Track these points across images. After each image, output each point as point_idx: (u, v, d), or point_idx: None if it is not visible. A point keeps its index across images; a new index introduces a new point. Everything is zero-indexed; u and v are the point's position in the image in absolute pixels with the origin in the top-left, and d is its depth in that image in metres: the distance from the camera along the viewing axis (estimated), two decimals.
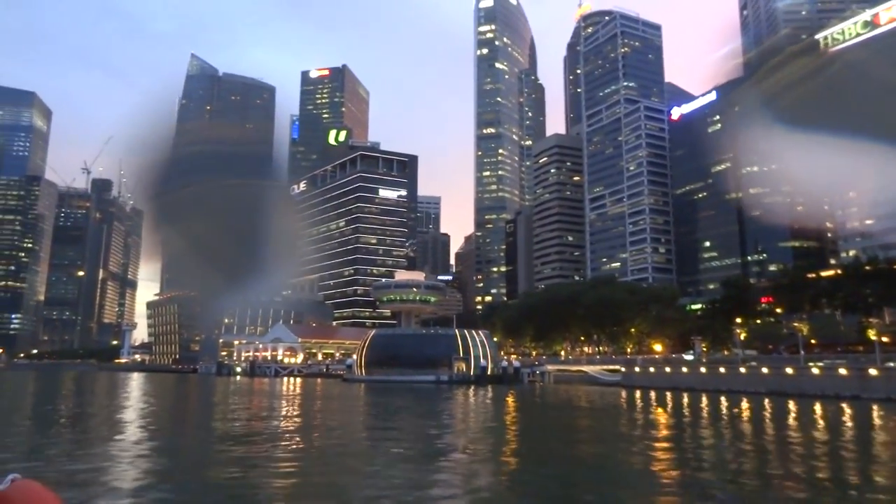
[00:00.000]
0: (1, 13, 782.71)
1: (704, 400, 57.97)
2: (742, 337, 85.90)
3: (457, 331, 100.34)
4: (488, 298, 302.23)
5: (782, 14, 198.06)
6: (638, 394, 67.44)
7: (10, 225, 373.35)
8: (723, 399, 57.86)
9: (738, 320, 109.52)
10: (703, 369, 67.43)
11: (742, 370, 62.37)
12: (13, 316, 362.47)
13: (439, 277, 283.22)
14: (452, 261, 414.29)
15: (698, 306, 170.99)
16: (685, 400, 57.57)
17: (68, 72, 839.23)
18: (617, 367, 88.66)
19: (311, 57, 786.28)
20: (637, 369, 78.25)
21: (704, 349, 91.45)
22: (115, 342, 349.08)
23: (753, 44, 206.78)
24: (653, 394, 66.58)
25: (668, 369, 72.65)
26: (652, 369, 75.36)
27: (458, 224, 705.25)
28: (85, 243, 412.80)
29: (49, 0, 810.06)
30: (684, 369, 70.45)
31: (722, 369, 65.22)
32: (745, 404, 50.64)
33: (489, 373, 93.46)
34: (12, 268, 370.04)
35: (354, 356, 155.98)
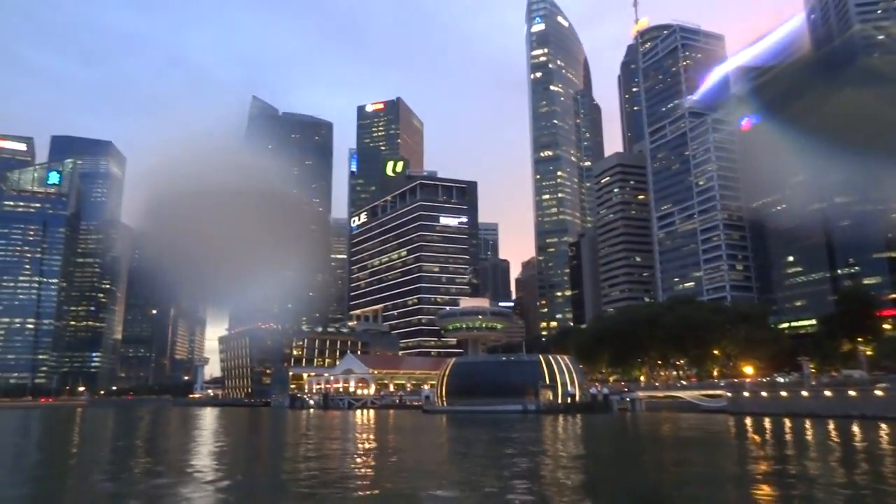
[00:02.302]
0: (79, 71, 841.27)
1: (834, 428, 51.92)
2: (867, 354, 78.08)
3: (541, 357, 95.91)
4: (553, 324, 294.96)
5: (854, 9, 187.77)
6: (749, 421, 61.44)
7: (90, 268, 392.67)
8: (855, 427, 51.69)
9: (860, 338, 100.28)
10: (827, 393, 60.88)
11: (879, 393, 55.70)
12: (94, 354, 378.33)
13: (501, 304, 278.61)
14: (513, 287, 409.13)
15: (798, 324, 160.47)
16: (812, 429, 51.69)
17: (139, 121, 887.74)
18: (719, 392, 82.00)
19: (365, 91, 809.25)
20: (746, 394, 71.87)
21: (813, 370, 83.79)
22: (186, 377, 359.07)
23: (824, 40, 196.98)
24: (767, 421, 60.48)
25: (783, 393, 66.17)
26: (764, 393, 68.89)
27: (516, 250, 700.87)
28: (157, 283, 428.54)
29: (120, 56, 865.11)
30: (804, 393, 63.88)
31: (852, 392, 58.61)
32: (885, 433, 44.68)
33: (577, 400, 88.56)
34: (92, 308, 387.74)
35: (426, 386, 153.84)
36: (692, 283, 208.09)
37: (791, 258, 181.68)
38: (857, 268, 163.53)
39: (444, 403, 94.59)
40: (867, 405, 55.34)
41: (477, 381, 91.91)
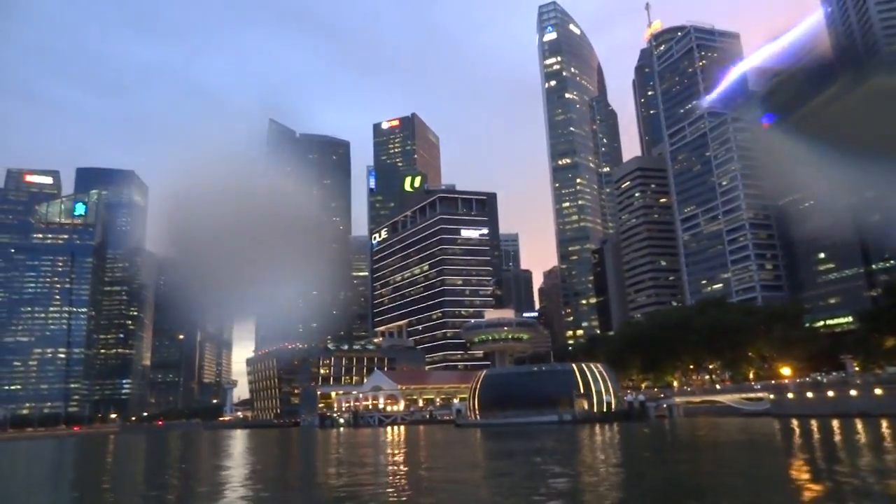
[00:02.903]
0: (99, 103, 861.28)
1: (888, 427, 49.88)
2: None
3: (574, 365, 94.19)
4: (579, 332, 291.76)
5: (874, 4, 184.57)
6: (795, 423, 59.32)
7: (117, 296, 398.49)
8: None
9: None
10: (878, 391, 58.59)
11: None
12: (124, 381, 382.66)
13: (525, 315, 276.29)
14: (536, 297, 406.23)
15: (833, 322, 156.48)
16: (864, 428, 49.66)
17: (160, 150, 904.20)
18: (760, 394, 79.58)
19: (380, 109, 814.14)
20: (791, 395, 69.57)
21: (857, 369, 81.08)
22: (215, 400, 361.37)
23: (844, 35, 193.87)
24: (814, 423, 58.32)
25: (830, 393, 63.91)
26: (810, 394, 66.62)
27: (536, 259, 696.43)
28: (183, 308, 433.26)
29: (138, 87, 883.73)
30: (853, 392, 61.62)
31: None
32: None
33: (613, 409, 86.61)
34: (121, 335, 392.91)
35: (456, 400, 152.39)
36: (720, 285, 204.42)
37: (822, 255, 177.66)
38: (892, 261, 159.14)
39: (477, 417, 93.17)
40: None
41: (509, 392, 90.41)
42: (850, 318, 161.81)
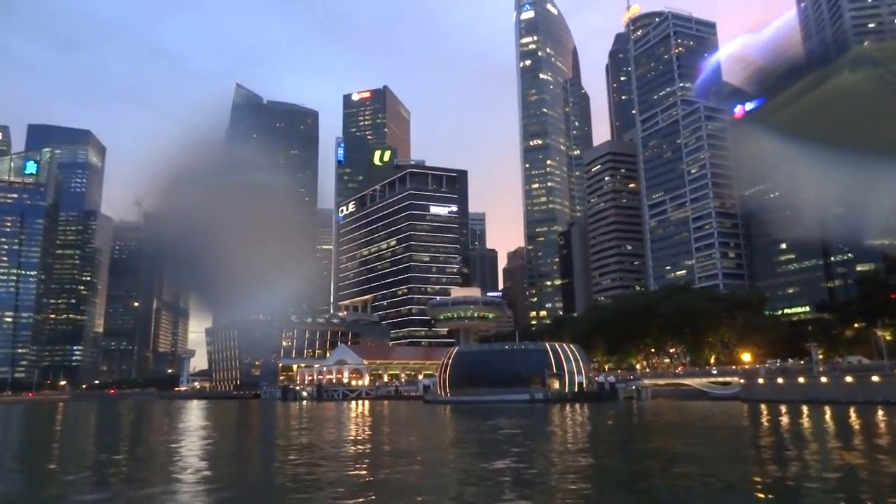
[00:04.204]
0: (55, 59, 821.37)
1: (855, 415, 50.57)
2: (886, 339, 76.97)
3: (547, 345, 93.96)
4: (543, 313, 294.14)
5: (847, 2, 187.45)
6: (764, 409, 59.93)
7: (70, 259, 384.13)
8: (881, 413, 50.39)
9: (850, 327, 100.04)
10: (848, 378, 59.59)
11: None
12: (75, 348, 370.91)
13: (489, 294, 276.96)
14: (500, 277, 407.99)
15: (791, 311, 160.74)
16: (833, 415, 50.26)
17: (119, 111, 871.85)
18: (730, 379, 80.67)
19: (350, 80, 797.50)
20: (761, 380, 70.50)
21: (821, 357, 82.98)
22: (170, 370, 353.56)
23: (816, 30, 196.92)
24: (783, 408, 59.02)
25: (801, 380, 64.86)
26: (781, 380, 67.55)
27: (502, 240, 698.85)
28: (139, 275, 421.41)
29: (98, 44, 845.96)
30: (823, 379, 62.64)
31: (876, 378, 57.31)
32: None
33: (584, 389, 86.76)
34: (73, 301, 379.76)
35: (421, 376, 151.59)
36: (684, 272, 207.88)
37: (783, 246, 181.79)
38: (850, 255, 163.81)
39: (448, 394, 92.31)
40: (892, 391, 54.12)
41: (481, 370, 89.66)
42: (807, 308, 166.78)
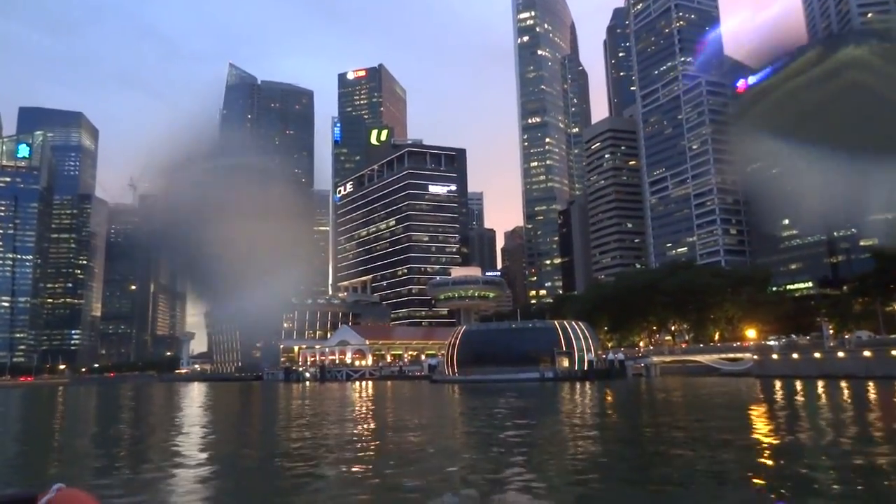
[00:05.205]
0: (46, 41, 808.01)
1: (871, 389, 49.73)
2: None
3: (556, 323, 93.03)
4: (542, 292, 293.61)
5: None
6: (779, 385, 59.13)
7: (65, 243, 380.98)
8: None
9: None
10: (867, 353, 58.77)
11: None
12: (73, 332, 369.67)
13: (488, 273, 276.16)
14: (499, 256, 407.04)
15: (794, 287, 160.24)
16: (854, 391, 49.41)
17: (111, 93, 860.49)
18: (741, 355, 80.00)
19: (346, 59, 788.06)
20: (775, 356, 69.73)
21: (832, 331, 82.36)
22: (169, 353, 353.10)
23: (820, 14, 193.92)
24: (798, 384, 58.24)
25: (817, 354, 64.04)
26: (796, 355, 66.76)
27: (500, 219, 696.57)
28: (135, 258, 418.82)
29: (89, 26, 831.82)
30: (840, 354, 61.82)
31: (894, 352, 56.46)
32: None
33: (594, 367, 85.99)
34: (70, 285, 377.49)
35: (423, 356, 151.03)
36: (685, 249, 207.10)
37: (786, 222, 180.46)
38: (853, 230, 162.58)
39: (455, 373, 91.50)
40: None
41: (490, 349, 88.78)
42: (810, 284, 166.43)
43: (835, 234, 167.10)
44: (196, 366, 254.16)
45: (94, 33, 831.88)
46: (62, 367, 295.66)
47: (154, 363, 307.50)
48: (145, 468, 22.15)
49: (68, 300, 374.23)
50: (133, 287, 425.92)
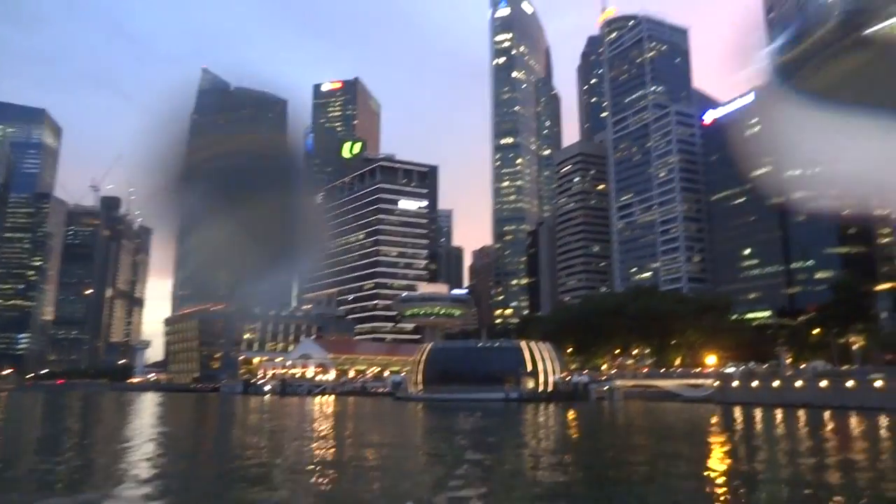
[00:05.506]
0: (10, 34, 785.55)
1: (829, 419, 50.57)
2: (857, 347, 78.21)
3: (523, 343, 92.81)
4: (508, 311, 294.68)
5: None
6: (738, 412, 59.78)
7: (19, 243, 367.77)
8: (853, 419, 50.45)
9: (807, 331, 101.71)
10: (823, 383, 59.94)
11: (878, 384, 54.91)
12: (21, 336, 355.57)
13: (455, 291, 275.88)
14: (465, 274, 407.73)
15: (752, 315, 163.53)
16: (810, 420, 50.19)
17: (77, 91, 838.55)
18: (704, 381, 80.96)
19: (320, 71, 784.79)
20: (735, 383, 70.69)
21: (789, 361, 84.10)
22: (122, 361, 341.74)
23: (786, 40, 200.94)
24: (758, 412, 59.00)
25: (776, 383, 65.11)
26: (755, 383, 67.76)
27: (468, 237, 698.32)
28: (93, 261, 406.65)
29: (56, 22, 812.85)
30: (798, 383, 62.93)
31: (850, 383, 57.72)
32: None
33: (558, 388, 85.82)
34: (21, 286, 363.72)
35: (387, 372, 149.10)
36: (649, 274, 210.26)
37: (747, 251, 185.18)
38: (811, 262, 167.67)
39: (420, 391, 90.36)
40: (866, 397, 54.54)
41: (456, 367, 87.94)
42: (768, 313, 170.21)
43: (792, 265, 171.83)
44: (151, 375, 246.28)
45: (64, 30, 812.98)
46: (7, 372, 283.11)
47: (106, 371, 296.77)
48: (85, 488, 20.67)
49: (18, 302, 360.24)
50: (89, 291, 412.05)
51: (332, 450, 32.51)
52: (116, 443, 36.30)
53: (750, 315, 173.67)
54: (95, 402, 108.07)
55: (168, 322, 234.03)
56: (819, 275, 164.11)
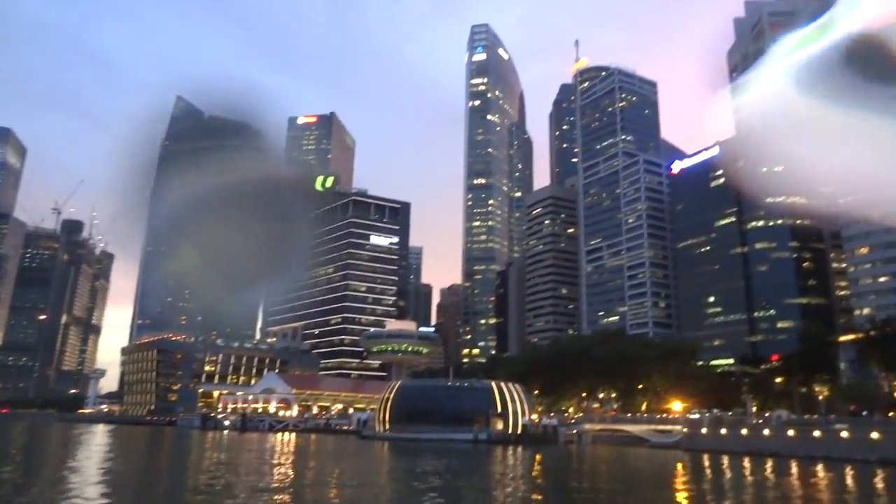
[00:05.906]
0: None
1: (795, 469, 50.90)
2: (822, 397, 79.43)
3: (493, 384, 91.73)
4: (476, 351, 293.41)
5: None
6: (706, 460, 59.85)
7: None
8: (820, 469, 50.87)
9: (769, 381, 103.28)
10: (790, 432, 60.48)
11: (844, 434, 55.61)
12: None
13: (422, 329, 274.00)
14: (434, 312, 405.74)
15: (716, 362, 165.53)
16: (777, 469, 50.46)
17: (44, 113, 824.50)
18: (670, 427, 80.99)
19: (298, 105, 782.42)
20: (704, 430, 70.84)
21: (755, 409, 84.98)
22: (73, 391, 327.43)
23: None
24: (725, 460, 59.12)
25: (744, 431, 65.48)
26: (724, 430, 68.01)
27: (437, 275, 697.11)
28: (50, 286, 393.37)
29: (28, 44, 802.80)
30: (766, 431, 63.37)
31: (817, 433, 58.37)
32: (878, 477, 43.91)
33: (528, 431, 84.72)
34: None
35: (351, 409, 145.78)
36: (616, 318, 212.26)
37: (712, 298, 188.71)
38: (772, 311, 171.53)
39: (387, 429, 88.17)
40: (833, 446, 55.15)
41: (424, 406, 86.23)
42: (731, 360, 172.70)
43: (755, 314, 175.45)
44: (104, 406, 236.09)
45: (33, 51, 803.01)
46: None
47: (56, 401, 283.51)
48: None
49: None
50: (42, 317, 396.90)
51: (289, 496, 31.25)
52: (57, 484, 33.61)
53: (714, 362, 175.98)
54: (40, 434, 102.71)
55: (125, 351, 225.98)
56: (780, 324, 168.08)
